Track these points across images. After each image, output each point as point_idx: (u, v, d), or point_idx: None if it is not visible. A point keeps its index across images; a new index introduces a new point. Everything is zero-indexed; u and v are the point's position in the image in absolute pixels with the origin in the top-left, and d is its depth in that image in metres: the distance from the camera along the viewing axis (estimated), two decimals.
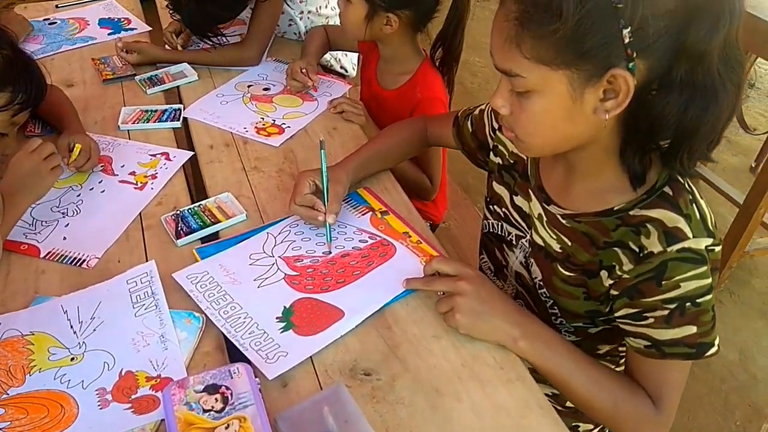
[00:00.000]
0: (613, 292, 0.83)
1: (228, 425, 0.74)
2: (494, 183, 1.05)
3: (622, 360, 1.02)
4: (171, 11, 1.47)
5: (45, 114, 1.32)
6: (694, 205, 0.77)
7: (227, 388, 0.78)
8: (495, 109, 0.80)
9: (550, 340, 0.86)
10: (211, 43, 1.54)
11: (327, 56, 1.77)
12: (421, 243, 1.07)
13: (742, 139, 2.90)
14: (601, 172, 0.83)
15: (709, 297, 0.76)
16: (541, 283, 0.94)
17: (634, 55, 0.67)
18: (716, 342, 0.79)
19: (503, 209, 1.02)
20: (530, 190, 0.95)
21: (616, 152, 0.79)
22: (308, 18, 1.70)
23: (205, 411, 0.75)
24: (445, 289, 0.90)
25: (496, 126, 1.06)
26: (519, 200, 0.98)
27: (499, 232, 1.04)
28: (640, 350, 0.81)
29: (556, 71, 0.69)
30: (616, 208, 0.81)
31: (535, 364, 0.86)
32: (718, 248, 0.77)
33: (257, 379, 0.81)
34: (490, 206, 1.06)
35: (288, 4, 1.65)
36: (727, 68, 0.68)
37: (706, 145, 0.72)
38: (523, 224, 0.97)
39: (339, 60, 1.83)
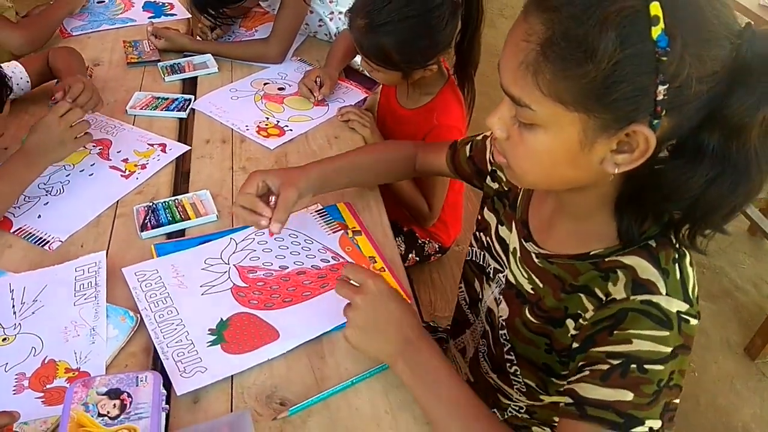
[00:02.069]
0: (575, 345, 0.72)
1: None
2: (485, 209, 0.97)
3: None
4: None
5: (57, 73, 1.34)
6: (676, 264, 0.67)
7: (129, 395, 0.76)
8: (490, 127, 0.70)
9: (430, 368, 0.79)
10: (211, 22, 1.55)
11: (359, 59, 1.72)
12: (384, 270, 1.01)
13: None
14: (590, 217, 0.74)
15: (660, 368, 0.64)
16: (504, 323, 0.86)
17: (663, 113, 0.57)
18: (653, 426, 0.64)
19: (487, 238, 0.94)
20: (514, 222, 0.87)
21: (612, 201, 0.71)
22: (339, 19, 1.66)
23: (100, 415, 0.74)
24: (345, 298, 0.85)
25: None
26: (503, 231, 0.90)
27: (481, 262, 0.96)
28: (561, 411, 0.70)
29: (571, 112, 0.60)
30: (592, 253, 0.72)
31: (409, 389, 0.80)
32: (693, 321, 0.65)
33: (164, 391, 0.78)
34: (478, 233, 0.98)
35: (317, 3, 1.62)
36: (766, 147, 0.58)
37: (721, 220, 0.64)
38: (504, 257, 0.89)
39: None
